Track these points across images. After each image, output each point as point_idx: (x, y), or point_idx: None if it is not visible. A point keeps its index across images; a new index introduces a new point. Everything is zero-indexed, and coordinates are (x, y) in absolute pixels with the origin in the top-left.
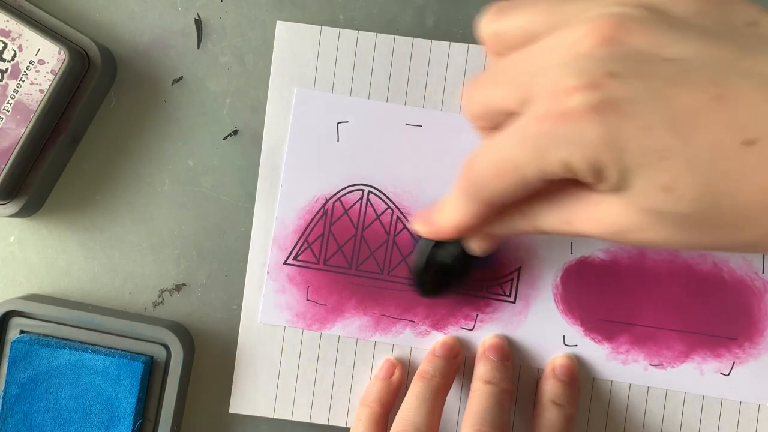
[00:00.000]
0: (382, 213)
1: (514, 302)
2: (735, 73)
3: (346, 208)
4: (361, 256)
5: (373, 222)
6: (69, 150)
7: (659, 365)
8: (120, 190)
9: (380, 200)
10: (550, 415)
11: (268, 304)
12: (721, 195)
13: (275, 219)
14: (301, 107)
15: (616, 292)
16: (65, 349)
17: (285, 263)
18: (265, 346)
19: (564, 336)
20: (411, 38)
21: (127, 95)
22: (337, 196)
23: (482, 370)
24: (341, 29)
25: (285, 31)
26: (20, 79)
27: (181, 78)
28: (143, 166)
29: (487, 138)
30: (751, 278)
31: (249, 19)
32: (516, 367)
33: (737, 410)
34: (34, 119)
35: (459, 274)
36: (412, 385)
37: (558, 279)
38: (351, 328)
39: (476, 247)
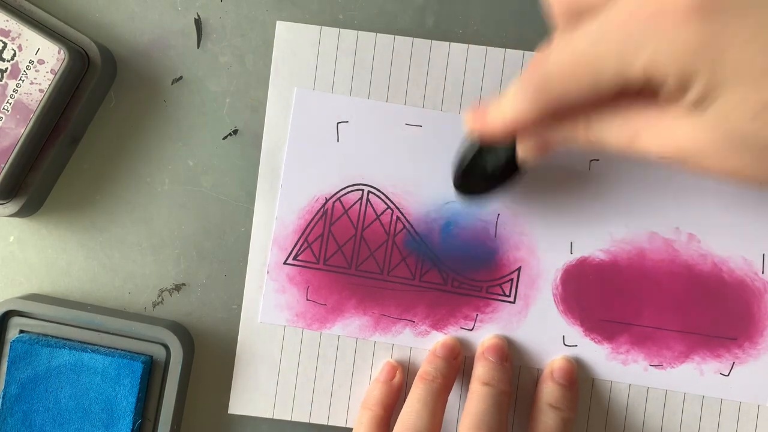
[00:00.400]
0: (382, 213)
1: (513, 302)
2: None
3: (346, 208)
4: (360, 256)
5: (372, 222)
6: (69, 150)
7: (659, 365)
8: (120, 190)
9: (380, 200)
10: (547, 418)
11: (268, 304)
12: None
13: (275, 219)
14: (300, 107)
15: (616, 292)
16: (65, 348)
17: (285, 263)
18: (265, 345)
19: (564, 336)
20: (411, 38)
21: (127, 95)
22: (337, 196)
23: (481, 371)
24: (341, 29)
25: (285, 31)
26: (20, 79)
27: (181, 78)
28: (143, 166)
29: (563, 33)
30: (751, 278)
31: (249, 19)
32: (516, 368)
33: (737, 410)
34: (33, 119)
35: (499, 180)
36: (413, 387)
37: (558, 279)
38: (351, 327)
39: (526, 153)
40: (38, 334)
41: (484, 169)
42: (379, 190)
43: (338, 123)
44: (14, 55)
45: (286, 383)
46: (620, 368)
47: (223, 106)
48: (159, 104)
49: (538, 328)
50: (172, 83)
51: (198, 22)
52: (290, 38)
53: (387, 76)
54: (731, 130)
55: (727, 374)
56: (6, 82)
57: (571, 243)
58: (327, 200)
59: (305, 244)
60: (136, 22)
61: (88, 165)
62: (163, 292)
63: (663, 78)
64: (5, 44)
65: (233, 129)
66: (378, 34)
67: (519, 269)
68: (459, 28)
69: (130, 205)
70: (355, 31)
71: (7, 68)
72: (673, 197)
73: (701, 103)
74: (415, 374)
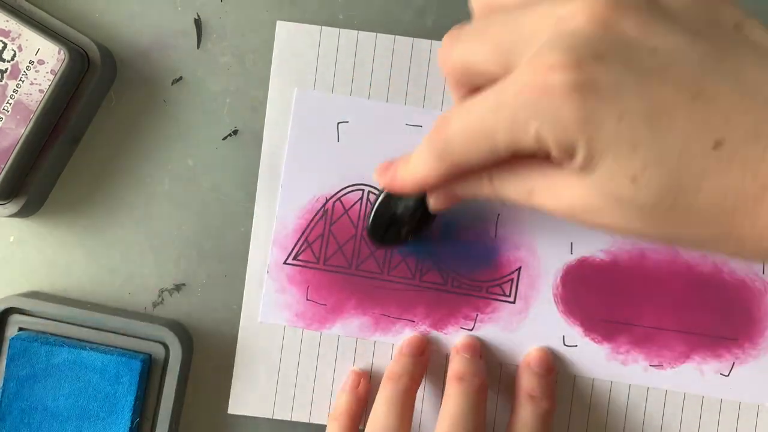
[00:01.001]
0: None
1: (513, 302)
2: (713, 74)
3: (346, 207)
4: (361, 255)
5: None
6: (69, 150)
7: (659, 366)
8: (120, 190)
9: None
10: (525, 410)
11: (268, 304)
12: (684, 191)
13: (275, 219)
14: (301, 107)
15: (616, 292)
16: (64, 346)
17: (285, 263)
18: (264, 345)
19: (564, 336)
20: (411, 38)
21: (127, 95)
22: (337, 196)
23: (455, 366)
24: (341, 29)
25: (285, 31)
26: (20, 79)
27: (181, 78)
28: (143, 166)
29: (461, 100)
30: (752, 279)
31: (249, 19)
32: (498, 365)
33: (737, 411)
34: (33, 119)
35: (412, 228)
36: (380, 388)
37: (558, 279)
38: (351, 327)
39: (435, 204)
40: (37, 331)
41: (397, 218)
42: (379, 190)
43: (338, 123)
44: (14, 55)
45: (286, 383)
46: (620, 368)
47: (223, 106)
48: (159, 104)
49: (538, 328)
50: (172, 83)
51: (198, 22)
52: (290, 38)
53: (387, 77)
54: (612, 193)
55: (727, 374)
56: (6, 83)
57: (572, 243)
58: (327, 200)
59: (305, 244)
60: (136, 22)
61: (88, 165)
62: (163, 292)
63: (550, 148)
64: (5, 44)
65: (233, 129)
66: (378, 35)
67: (519, 269)
68: None
69: (130, 205)
70: (356, 31)
71: (7, 68)
72: None
73: (585, 168)
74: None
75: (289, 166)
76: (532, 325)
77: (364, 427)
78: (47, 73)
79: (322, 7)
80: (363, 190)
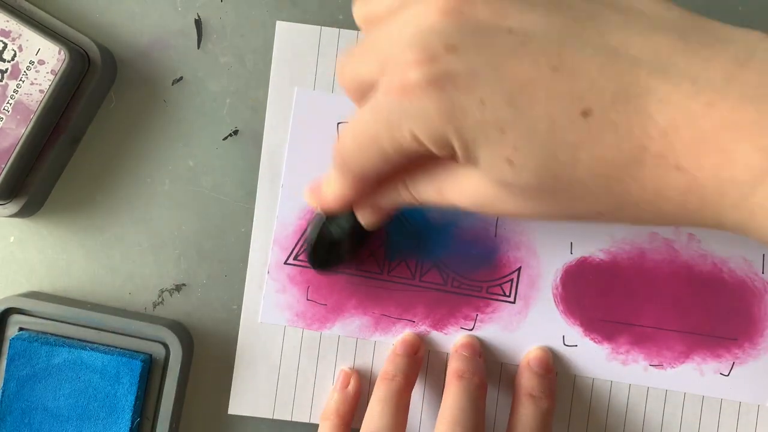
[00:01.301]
0: None
1: (513, 302)
2: (573, 44)
3: None
4: (361, 255)
5: None
6: (69, 150)
7: (659, 365)
8: (120, 190)
9: None
10: (525, 409)
11: (268, 304)
12: (561, 166)
13: (276, 219)
14: (301, 107)
15: (616, 292)
16: (64, 346)
17: (285, 263)
18: (265, 345)
19: (564, 336)
20: None
21: (127, 95)
22: None
23: (455, 365)
24: (341, 29)
25: (285, 32)
26: (20, 79)
27: (181, 78)
28: (143, 166)
29: None
30: (752, 279)
31: (249, 19)
32: (498, 364)
33: (737, 411)
34: (34, 119)
35: (349, 248)
36: (375, 388)
37: (558, 279)
38: (351, 327)
39: (364, 220)
40: (38, 332)
41: (333, 239)
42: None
43: (338, 123)
44: (14, 55)
45: (286, 383)
46: (620, 368)
47: (223, 107)
48: (159, 104)
49: (538, 328)
50: (173, 83)
51: (198, 23)
52: (290, 38)
53: None
54: (497, 180)
55: (727, 374)
56: (6, 83)
57: (571, 243)
58: None
59: (306, 244)
60: (136, 22)
61: (88, 165)
62: (163, 292)
63: (427, 146)
64: (5, 45)
65: (233, 129)
66: None
67: (519, 269)
68: None
69: (130, 205)
70: (356, 31)
71: (7, 69)
72: None
73: (469, 160)
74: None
75: (289, 166)
76: (532, 325)
77: (359, 427)
78: (47, 73)
79: (322, 7)
80: None
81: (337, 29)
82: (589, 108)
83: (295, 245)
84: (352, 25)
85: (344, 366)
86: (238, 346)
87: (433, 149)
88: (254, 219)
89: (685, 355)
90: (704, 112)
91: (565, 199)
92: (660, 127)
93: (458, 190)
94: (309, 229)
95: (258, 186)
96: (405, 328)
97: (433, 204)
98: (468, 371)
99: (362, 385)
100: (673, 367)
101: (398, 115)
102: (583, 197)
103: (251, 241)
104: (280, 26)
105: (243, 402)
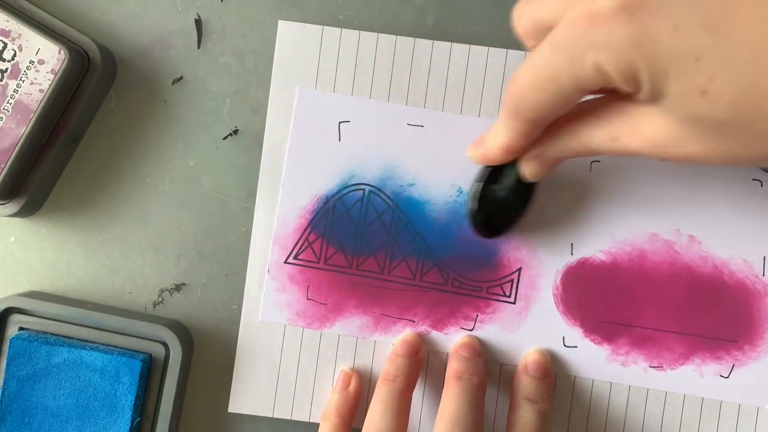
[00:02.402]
0: (383, 213)
1: (514, 303)
2: None
3: (347, 207)
4: (361, 255)
5: (374, 221)
6: (69, 150)
7: (659, 367)
8: (120, 190)
9: (381, 200)
10: (523, 411)
11: (268, 303)
12: (763, 95)
13: (276, 218)
14: (302, 107)
15: (616, 293)
16: (64, 346)
17: (286, 262)
18: (265, 344)
19: (564, 337)
20: (412, 38)
21: (127, 95)
22: (338, 195)
23: (454, 365)
24: (343, 29)
25: (287, 31)
26: (20, 79)
27: (181, 78)
28: (143, 166)
29: None
30: (752, 281)
31: (249, 19)
32: (498, 365)
33: (736, 412)
34: (34, 119)
35: (516, 205)
36: (376, 389)
37: (558, 280)
38: (351, 327)
39: (528, 171)
40: (38, 331)
41: (497, 201)
42: (380, 190)
43: (340, 123)
44: (14, 55)
45: (286, 382)
46: (620, 369)
47: (223, 106)
48: (159, 104)
49: (538, 329)
50: (173, 83)
51: (198, 23)
52: (292, 38)
53: (389, 76)
54: (687, 115)
55: (726, 376)
56: (6, 83)
57: (572, 244)
58: (328, 200)
59: (306, 244)
60: (136, 22)
61: (88, 165)
62: (163, 292)
63: (613, 78)
64: (5, 44)
65: (233, 129)
66: (380, 34)
67: (519, 270)
68: (459, 28)
69: (130, 205)
70: (357, 31)
71: (7, 68)
72: (674, 198)
73: (655, 94)
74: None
75: (290, 166)
76: (532, 326)
77: (359, 426)
78: (47, 72)
79: (323, 7)
80: (364, 189)
81: (339, 29)
82: None
83: (296, 244)
84: (352, 25)
85: (344, 366)
86: (238, 344)
87: (619, 81)
88: (254, 218)
89: (685, 356)
90: None
91: (761, 135)
92: None
93: (636, 132)
94: (469, 201)
95: (258, 185)
96: (405, 327)
97: (605, 152)
98: (467, 372)
99: (362, 385)
100: (672, 368)
101: (583, 46)
102: None
103: (251, 240)
104: (282, 26)
105: (243, 400)
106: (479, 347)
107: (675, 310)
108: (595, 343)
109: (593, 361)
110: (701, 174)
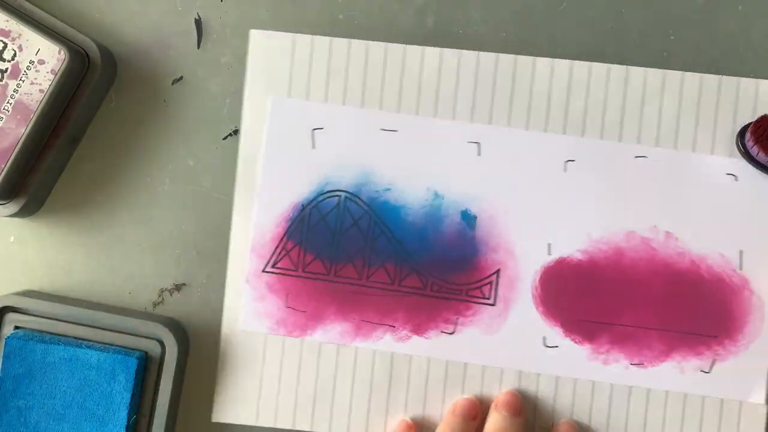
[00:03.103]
0: (360, 218)
1: (493, 305)
2: None
3: (324, 214)
4: (339, 262)
5: (350, 228)
6: (69, 150)
7: (640, 364)
8: (120, 190)
9: (357, 206)
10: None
11: (248, 312)
12: None
13: (253, 227)
14: (276, 115)
15: (595, 292)
16: (60, 344)
17: (264, 271)
18: (246, 353)
19: (545, 337)
20: (384, 44)
21: (127, 95)
22: (315, 202)
23: (491, 425)
24: (314, 36)
25: (259, 40)
26: (20, 79)
27: (181, 78)
28: (143, 166)
29: None
30: (729, 275)
31: (249, 19)
32: (480, 368)
33: (719, 408)
34: (34, 119)
35: None
36: None
37: (537, 280)
38: (331, 334)
39: None
40: (33, 330)
41: None
42: (356, 196)
43: (313, 130)
44: (15, 55)
45: (269, 390)
46: (601, 368)
47: (223, 106)
48: (159, 104)
49: (518, 330)
50: (173, 83)
51: (198, 23)
52: (265, 46)
53: (362, 82)
54: None
55: (708, 371)
56: (6, 83)
57: (549, 244)
58: (304, 207)
59: (283, 252)
60: (136, 22)
61: (88, 165)
62: (163, 291)
63: None
64: (6, 44)
65: (233, 129)
66: (352, 41)
67: (498, 271)
68: (459, 28)
69: (130, 205)
70: (329, 38)
71: (7, 68)
72: (650, 195)
73: None
74: (388, 381)
75: (265, 174)
76: (512, 327)
77: None
78: (47, 72)
79: (323, 7)
80: (340, 196)
81: (310, 36)
82: None
83: (273, 253)
84: (352, 24)
85: (326, 372)
86: (220, 354)
87: None
88: (232, 227)
89: (666, 353)
90: None
91: None
92: None
93: None
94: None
95: (235, 195)
96: (386, 333)
97: None
98: (503, 430)
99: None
100: (654, 365)
101: None
102: None
103: (229, 249)
104: (254, 34)
105: (226, 409)
106: (521, 405)
107: (654, 306)
108: (575, 342)
109: (574, 360)
110: (676, 170)
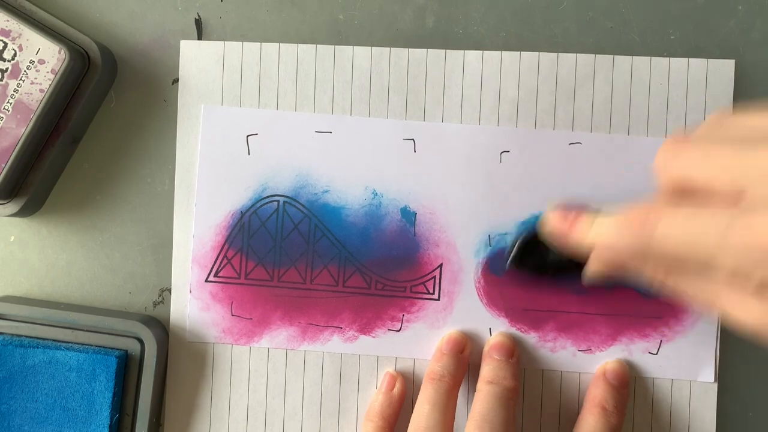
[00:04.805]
0: (300, 222)
1: (438, 299)
2: None
3: (263, 220)
4: (281, 267)
5: (291, 232)
6: (69, 150)
7: (587, 350)
8: (120, 190)
9: (296, 209)
10: (594, 419)
11: (194, 323)
12: None
13: (192, 237)
14: (209, 124)
15: (538, 281)
16: (38, 347)
17: (207, 281)
18: (195, 364)
19: (490, 329)
20: (314, 45)
21: (127, 95)
22: (253, 209)
23: (486, 369)
24: (244, 42)
25: (189, 49)
26: (20, 79)
27: None
28: (143, 166)
29: (667, 202)
30: None
31: (249, 19)
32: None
33: (669, 388)
34: (34, 119)
35: (556, 266)
36: (422, 388)
37: (479, 272)
38: (279, 339)
39: (597, 269)
40: (11, 334)
41: (544, 259)
42: (294, 200)
43: (248, 136)
44: (15, 55)
45: (220, 399)
46: (549, 355)
47: None
48: (159, 104)
49: (464, 323)
50: (173, 83)
51: (198, 22)
52: (195, 56)
53: (294, 85)
54: None
55: (655, 353)
56: (6, 82)
57: (489, 236)
58: (243, 214)
59: (225, 260)
60: (136, 22)
61: (88, 165)
62: (163, 291)
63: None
64: (6, 44)
65: None
66: (281, 44)
67: (440, 266)
68: (459, 28)
69: (130, 205)
70: (258, 43)
71: (7, 68)
72: (586, 181)
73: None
74: (338, 382)
75: (202, 184)
76: (458, 320)
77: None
78: (48, 72)
79: (322, 7)
80: (278, 201)
81: (240, 43)
82: None
83: (215, 262)
84: (352, 25)
85: (276, 378)
86: (169, 367)
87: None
88: (173, 239)
89: (612, 337)
90: None
91: None
92: None
93: (740, 308)
94: (525, 230)
95: (174, 205)
96: (333, 335)
97: (693, 302)
98: (498, 377)
99: (407, 388)
100: (601, 350)
101: (756, 262)
102: None
103: (172, 261)
104: (184, 45)
105: (180, 422)
106: (512, 346)
107: (597, 292)
108: (522, 332)
109: (522, 349)
110: (611, 154)
